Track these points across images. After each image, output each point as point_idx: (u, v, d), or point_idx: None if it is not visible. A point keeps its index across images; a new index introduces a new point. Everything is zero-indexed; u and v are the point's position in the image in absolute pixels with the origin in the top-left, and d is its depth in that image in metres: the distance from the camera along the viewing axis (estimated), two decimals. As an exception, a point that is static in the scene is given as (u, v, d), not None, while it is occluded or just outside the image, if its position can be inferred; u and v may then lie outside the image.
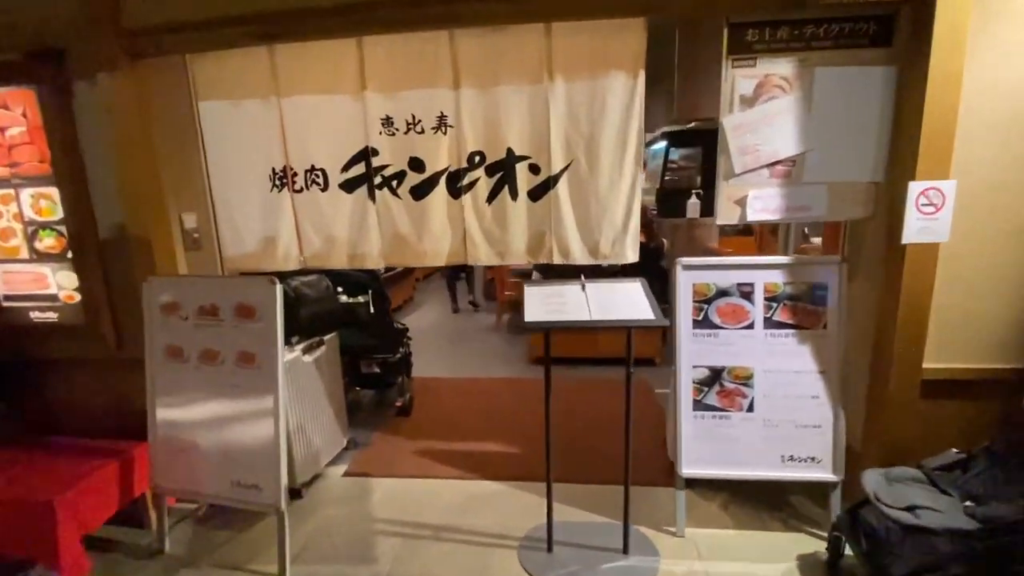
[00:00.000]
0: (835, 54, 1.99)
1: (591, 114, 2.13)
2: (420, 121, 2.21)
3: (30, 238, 2.34)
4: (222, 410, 2.16)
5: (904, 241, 1.94)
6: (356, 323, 3.14)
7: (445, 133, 2.22)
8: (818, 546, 2.15)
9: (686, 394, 2.27)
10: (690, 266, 2.20)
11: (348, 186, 2.32)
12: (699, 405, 2.26)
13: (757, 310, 2.20)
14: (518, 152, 2.20)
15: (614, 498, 2.31)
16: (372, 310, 3.16)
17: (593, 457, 2.98)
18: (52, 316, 2.40)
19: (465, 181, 2.25)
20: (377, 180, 2.29)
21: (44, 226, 2.32)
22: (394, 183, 2.30)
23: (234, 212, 2.40)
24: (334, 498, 2.68)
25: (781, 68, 2.02)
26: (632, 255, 2.24)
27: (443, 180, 2.26)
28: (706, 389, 2.25)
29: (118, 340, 2.42)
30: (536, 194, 2.23)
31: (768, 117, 2.06)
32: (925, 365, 2.03)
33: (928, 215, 1.92)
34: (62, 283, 2.37)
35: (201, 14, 2.07)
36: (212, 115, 2.32)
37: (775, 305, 2.19)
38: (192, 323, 2.19)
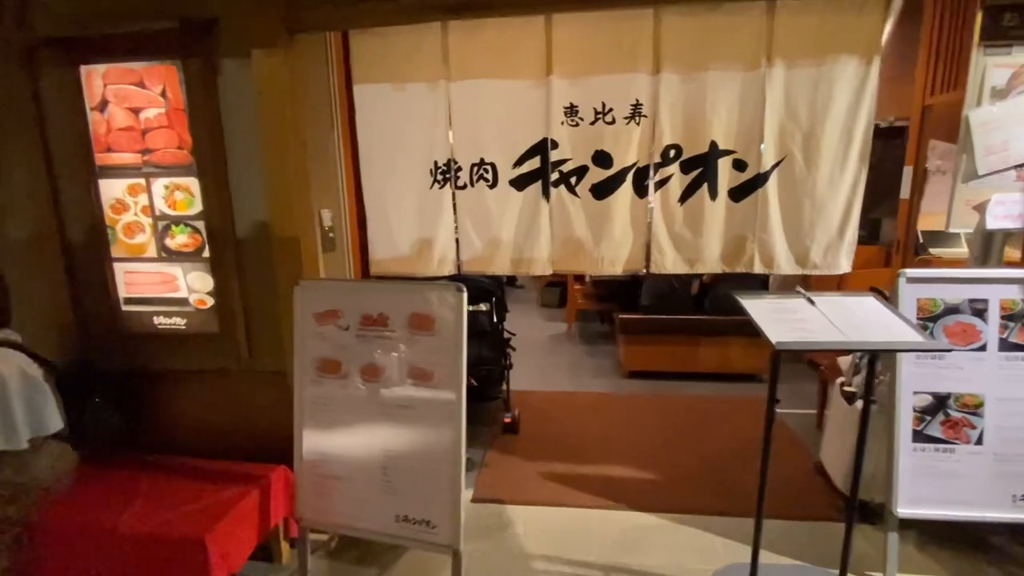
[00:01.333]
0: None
1: (813, 104, 1.88)
2: (611, 110, 1.96)
3: (160, 234, 2.08)
4: (388, 433, 1.90)
5: None
6: (477, 333, 2.88)
7: (638, 124, 1.97)
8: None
9: (905, 424, 2.01)
10: (915, 279, 1.95)
11: (520, 182, 2.07)
12: (919, 436, 2.00)
13: (991, 330, 1.94)
14: (722, 146, 1.95)
15: (779, 533, 2.06)
16: (495, 319, 2.90)
17: (738, 486, 2.71)
18: (179, 322, 2.14)
19: (656, 178, 2.00)
20: (554, 176, 2.04)
21: (178, 221, 2.06)
22: (573, 179, 2.04)
23: (387, 210, 2.14)
24: (473, 529, 2.41)
25: (1042, 55, 1.78)
26: (847, 265, 1.99)
27: (630, 177, 2.01)
28: (928, 418, 1.99)
29: (250, 350, 2.17)
30: (739, 194, 1.99)
31: (1021, 112, 1.82)
32: None
33: None
34: (194, 285, 2.10)
35: (381, -17, 1.83)
36: (369, 100, 2.07)
37: (1012, 325, 1.94)
38: (354, 334, 1.93)
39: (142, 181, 2.04)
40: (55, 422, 1.81)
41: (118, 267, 2.12)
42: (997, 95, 1.81)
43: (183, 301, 2.12)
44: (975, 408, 1.97)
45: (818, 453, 2.76)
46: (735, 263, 2.03)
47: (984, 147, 1.84)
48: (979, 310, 1.95)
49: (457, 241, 2.14)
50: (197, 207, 2.03)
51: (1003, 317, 1.94)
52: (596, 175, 2.02)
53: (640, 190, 2.02)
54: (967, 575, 2.05)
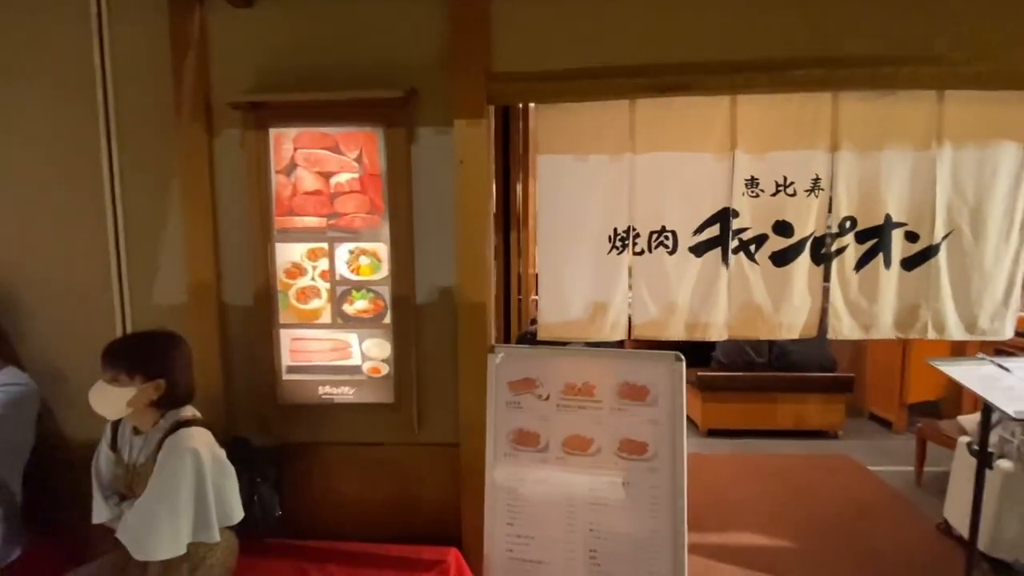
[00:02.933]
0: None
1: (978, 183, 2.03)
2: (792, 183, 2.06)
3: (338, 300, 2.00)
4: (595, 511, 1.81)
5: None
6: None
7: (817, 196, 2.07)
8: None
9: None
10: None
11: (699, 249, 2.11)
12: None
13: None
14: (895, 218, 2.07)
15: None
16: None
17: (869, 553, 2.67)
18: (347, 392, 2.02)
19: (833, 248, 2.09)
20: (734, 244, 2.10)
21: (360, 286, 1.99)
22: (752, 247, 2.11)
23: (562, 275, 2.13)
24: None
25: None
26: (1011, 331, 2.10)
27: (808, 245, 2.09)
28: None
29: (421, 421, 2.06)
30: (911, 263, 2.08)
31: None
32: None
33: None
34: (370, 353, 2.01)
35: (591, 61, 1.90)
36: (551, 170, 2.10)
37: None
38: (555, 404, 1.87)
39: (324, 245, 1.98)
40: (239, 510, 1.65)
41: (285, 333, 2.01)
42: None
43: (355, 369, 2.01)
44: None
45: (944, 513, 2.78)
46: (908, 330, 2.11)
47: None
48: None
49: (631, 306, 2.14)
50: (382, 272, 1.98)
51: None
52: (776, 243, 2.09)
53: (816, 258, 2.10)
54: None
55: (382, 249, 1.97)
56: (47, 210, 2.07)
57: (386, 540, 2.02)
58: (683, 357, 1.77)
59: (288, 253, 1.99)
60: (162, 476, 1.47)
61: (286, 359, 2.02)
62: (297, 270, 1.99)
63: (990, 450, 2.56)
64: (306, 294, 1.99)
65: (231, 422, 2.04)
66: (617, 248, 2.12)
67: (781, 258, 2.10)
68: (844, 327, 2.11)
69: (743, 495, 3.22)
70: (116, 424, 1.67)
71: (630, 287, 2.15)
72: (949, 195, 2.05)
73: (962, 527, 2.63)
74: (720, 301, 2.12)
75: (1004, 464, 2.44)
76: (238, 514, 1.64)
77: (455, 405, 2.03)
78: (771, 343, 4.25)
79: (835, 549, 2.67)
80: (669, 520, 1.75)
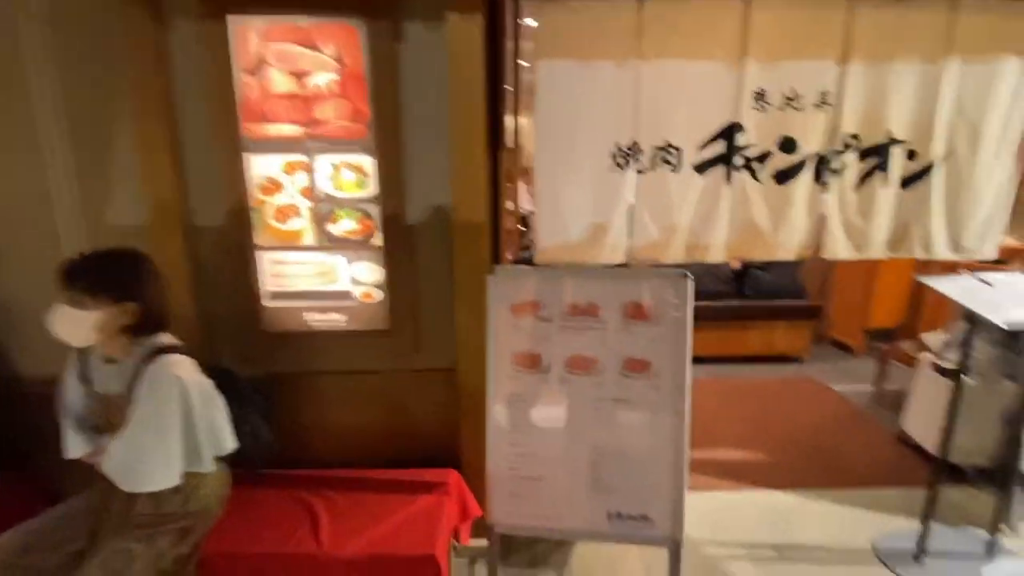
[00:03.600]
0: None
1: (979, 100, 2.01)
2: (801, 96, 1.98)
3: (322, 219, 1.83)
4: (598, 428, 1.81)
5: None
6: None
7: (824, 111, 2.00)
8: None
9: (1036, 391, 2.22)
10: (1051, 261, 2.17)
11: (703, 167, 2.03)
12: (1047, 402, 2.23)
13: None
14: (897, 136, 2.03)
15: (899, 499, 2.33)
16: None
17: (837, 461, 2.87)
18: (338, 319, 1.90)
19: (835, 165, 2.05)
20: (738, 161, 2.02)
21: (345, 204, 1.82)
22: (756, 165, 2.04)
23: (559, 194, 2.02)
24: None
25: None
26: (994, 251, 2.16)
27: (812, 163, 2.04)
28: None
29: (418, 346, 1.98)
30: (908, 182, 2.08)
31: None
32: None
33: None
34: (360, 277, 1.88)
35: (599, -51, 1.70)
36: (552, 77, 1.93)
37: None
38: (557, 325, 1.81)
39: (303, 158, 1.78)
40: (230, 440, 1.56)
41: (263, 256, 1.85)
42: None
43: (345, 295, 1.88)
44: (1091, 375, 2.23)
45: (901, 424, 2.98)
46: (899, 249, 2.14)
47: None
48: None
49: (632, 226, 2.07)
50: (369, 189, 1.81)
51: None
52: (780, 161, 2.03)
53: (820, 177, 2.06)
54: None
55: (368, 163, 1.79)
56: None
57: (384, 466, 1.99)
58: (690, 275, 1.73)
59: (262, 166, 1.78)
60: (149, 405, 1.35)
61: (267, 285, 1.87)
62: (273, 186, 1.79)
63: (949, 366, 2.75)
64: (285, 213, 1.81)
65: (211, 352, 1.90)
66: (619, 165, 2.02)
67: (784, 176, 2.05)
68: (839, 247, 2.12)
69: (718, 415, 3.37)
70: (82, 353, 1.51)
71: (630, 207, 2.07)
72: (951, 113, 2.02)
73: (919, 436, 2.85)
74: (721, 221, 2.08)
75: (964, 379, 2.60)
76: (230, 444, 1.55)
77: (452, 329, 1.95)
78: (744, 272, 4.33)
79: (806, 458, 2.85)
80: (670, 436, 1.78)
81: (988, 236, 2.14)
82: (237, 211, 1.80)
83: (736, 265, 4.29)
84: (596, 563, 2.14)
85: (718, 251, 2.11)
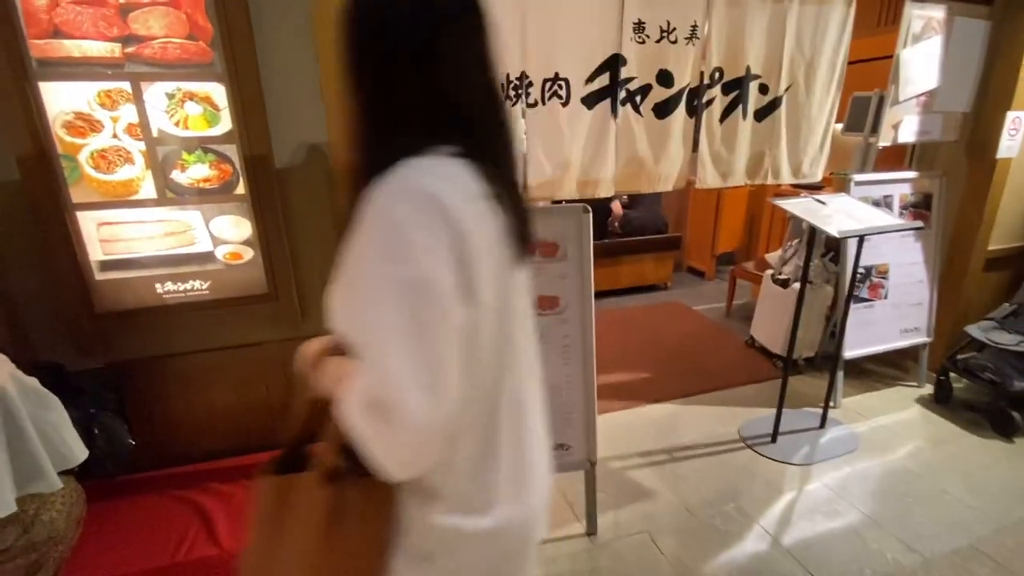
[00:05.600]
0: (964, 6, 2.49)
1: (814, 37, 2.26)
2: (675, 29, 2.03)
3: (163, 166, 1.46)
4: (512, 370, 1.79)
5: (998, 156, 2.63)
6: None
7: (694, 45, 2.09)
8: (922, 392, 2.88)
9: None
10: (860, 182, 2.59)
11: (590, 101, 2.02)
12: (856, 299, 2.72)
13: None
14: (753, 71, 2.21)
15: (747, 400, 2.78)
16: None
17: (705, 368, 3.27)
18: (199, 286, 1.58)
19: (704, 99, 2.18)
20: (622, 95, 2.05)
21: (193, 146, 1.47)
22: (638, 98, 2.08)
23: (451, 130, 1.87)
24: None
25: (937, 13, 2.44)
26: (820, 176, 2.51)
27: (684, 96, 2.14)
28: (860, 285, 2.73)
29: (302, 310, 1.75)
30: (761, 115, 2.30)
31: (927, 54, 2.49)
32: (989, 247, 2.83)
33: (1012, 137, 2.63)
34: (222, 235, 1.56)
35: None
36: None
37: (905, 212, 2.74)
38: (463, 271, 1.71)
39: (124, 86, 1.38)
40: (79, 447, 1.25)
41: (86, 217, 1.44)
42: (914, 39, 2.45)
43: (206, 257, 1.57)
44: (884, 273, 2.78)
45: (750, 331, 3.48)
46: (755, 176, 2.39)
47: (905, 78, 2.49)
48: (888, 203, 2.71)
49: (527, 164, 2.01)
50: (223, 126, 1.49)
51: (901, 207, 2.74)
52: (659, 94, 2.10)
53: (691, 110, 2.18)
54: (872, 389, 2.95)
55: (218, 92, 1.46)
56: None
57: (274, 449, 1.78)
58: (589, 208, 1.75)
59: (64, 98, 1.36)
60: None
61: (96, 253, 1.48)
62: (86, 124, 1.38)
63: (784, 277, 3.24)
64: (108, 158, 1.42)
65: (28, 345, 1.48)
66: (511, 99, 1.92)
67: (662, 109, 2.14)
68: (708, 176, 2.31)
69: (602, 343, 3.60)
70: None
71: (523, 144, 2.01)
72: (792, 49, 2.25)
73: (764, 339, 3.34)
74: (609, 156, 2.12)
75: (796, 286, 3.09)
76: (79, 453, 1.25)
77: (344, 287, 1.75)
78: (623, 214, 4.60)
79: (679, 372, 3.21)
80: (580, 366, 1.84)
81: (819, 162, 2.49)
82: (38, 159, 1.37)
83: (619, 210, 4.53)
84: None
85: (607, 186, 2.16)
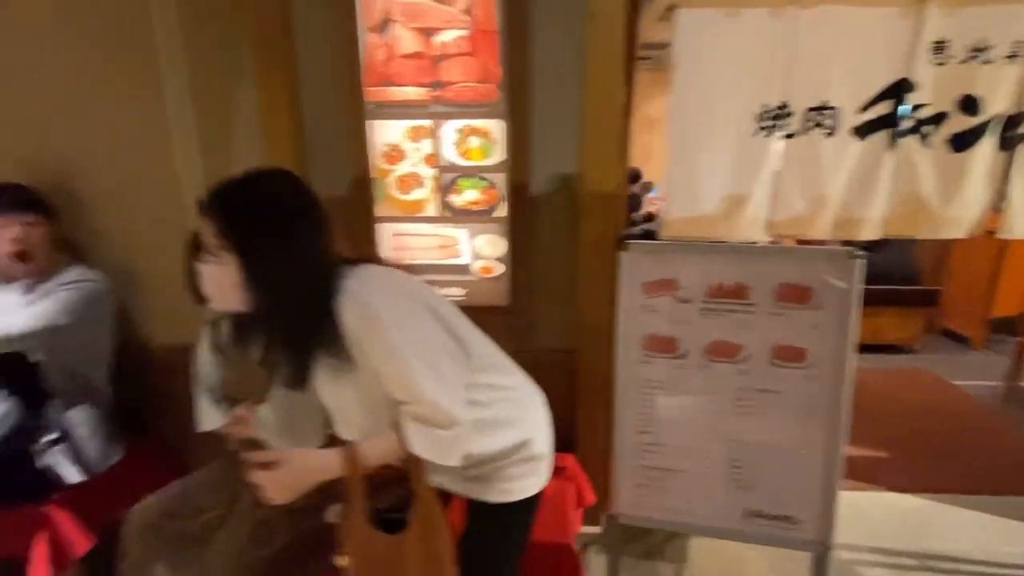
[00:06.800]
0: None
1: None
2: (993, 47, 1.69)
3: (444, 190, 1.73)
4: (740, 420, 1.66)
5: None
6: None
7: (1017, 65, 1.70)
8: None
9: None
10: None
11: (863, 131, 1.78)
12: None
13: None
14: (1110, 93, 1.72)
15: None
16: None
17: (959, 461, 2.59)
18: (456, 294, 1.82)
19: (1022, 129, 1.76)
20: (907, 124, 1.77)
21: (470, 173, 1.72)
22: (928, 128, 1.78)
23: (695, 161, 1.83)
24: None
25: None
26: None
27: (998, 126, 1.75)
28: None
29: (533, 325, 1.87)
30: (1116, 149, 1.76)
31: None
32: None
33: None
34: (481, 251, 1.78)
35: None
36: (693, 29, 1.73)
37: None
38: (698, 307, 1.66)
39: (427, 123, 1.68)
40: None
41: (385, 228, 1.78)
42: None
43: (465, 269, 1.80)
44: None
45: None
46: (1095, 227, 1.83)
47: None
48: None
49: (775, 198, 1.86)
50: (495, 156, 1.69)
51: None
52: (958, 123, 1.75)
53: (1005, 142, 1.77)
54: None
55: (496, 127, 1.67)
56: (99, 93, 1.75)
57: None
58: (860, 253, 1.53)
59: (385, 133, 1.70)
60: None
61: (388, 257, 1.80)
62: (397, 154, 1.71)
63: None
64: (407, 183, 1.73)
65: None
66: (766, 128, 1.80)
67: (961, 141, 1.77)
68: (1018, 224, 1.82)
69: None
70: (215, 322, 1.48)
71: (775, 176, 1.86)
72: None
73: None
74: (880, 193, 1.83)
75: None
76: None
77: (571, 308, 1.83)
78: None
79: (929, 454, 2.60)
80: (824, 431, 1.61)
81: None
82: (360, 181, 1.73)
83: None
84: (716, 558, 2.01)
85: (873, 227, 1.86)
